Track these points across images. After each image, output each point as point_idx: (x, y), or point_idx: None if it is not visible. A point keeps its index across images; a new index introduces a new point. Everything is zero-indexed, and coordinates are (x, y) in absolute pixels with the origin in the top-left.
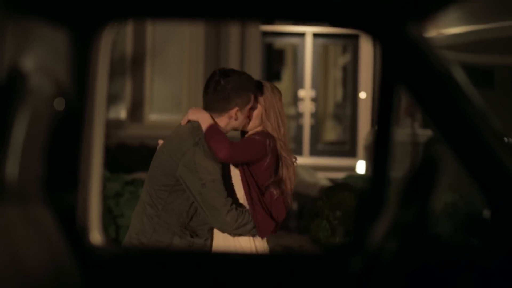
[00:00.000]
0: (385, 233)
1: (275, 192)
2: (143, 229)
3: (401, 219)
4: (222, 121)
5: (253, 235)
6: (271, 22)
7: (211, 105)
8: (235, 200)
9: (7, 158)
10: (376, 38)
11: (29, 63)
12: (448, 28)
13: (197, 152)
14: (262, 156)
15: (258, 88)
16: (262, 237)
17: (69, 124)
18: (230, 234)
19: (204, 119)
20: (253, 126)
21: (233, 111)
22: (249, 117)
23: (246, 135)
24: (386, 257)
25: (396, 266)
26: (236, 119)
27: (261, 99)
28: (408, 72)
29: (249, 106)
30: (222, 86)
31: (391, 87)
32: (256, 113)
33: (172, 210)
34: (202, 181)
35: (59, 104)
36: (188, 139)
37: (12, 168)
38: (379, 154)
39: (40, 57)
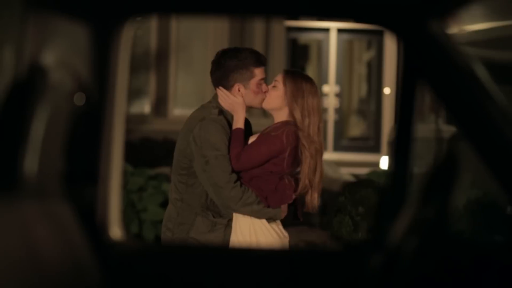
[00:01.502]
0: (406, 230)
1: (287, 181)
2: (169, 215)
3: (422, 216)
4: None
5: (260, 217)
6: (295, 17)
7: (216, 84)
8: (241, 178)
9: (27, 154)
10: (399, 34)
11: (49, 58)
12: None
13: (202, 127)
14: (278, 153)
15: (262, 63)
16: (272, 206)
17: (90, 119)
18: (235, 211)
19: (237, 120)
20: (275, 106)
21: (235, 87)
22: (266, 93)
23: (267, 128)
24: (407, 255)
25: (416, 264)
26: (242, 95)
27: (286, 81)
28: (430, 69)
29: (254, 80)
30: (221, 64)
31: (413, 83)
32: (276, 93)
33: (193, 192)
34: (205, 158)
35: (80, 99)
36: (196, 116)
37: (32, 163)
38: (400, 151)
39: (60, 52)
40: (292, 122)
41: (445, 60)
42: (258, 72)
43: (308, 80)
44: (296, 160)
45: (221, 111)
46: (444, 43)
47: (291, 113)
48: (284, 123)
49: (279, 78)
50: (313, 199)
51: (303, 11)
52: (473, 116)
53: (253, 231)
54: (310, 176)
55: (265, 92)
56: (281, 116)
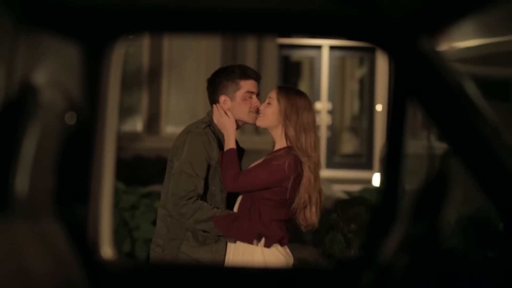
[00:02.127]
0: (397, 248)
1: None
2: (159, 232)
3: (413, 233)
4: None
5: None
6: (287, 36)
7: (210, 101)
8: (209, 196)
9: (18, 172)
10: (389, 52)
11: (40, 77)
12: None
13: (186, 139)
14: (279, 182)
15: (249, 76)
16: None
17: (81, 138)
18: (191, 226)
19: (228, 141)
20: (270, 123)
21: (221, 100)
22: (256, 107)
23: (270, 154)
24: (398, 272)
25: (407, 281)
26: (228, 108)
27: (280, 98)
28: (421, 87)
29: (240, 92)
30: (211, 81)
31: (404, 101)
32: (271, 110)
33: None
34: (175, 168)
35: (70, 118)
36: (185, 130)
37: (23, 182)
38: (391, 168)
39: (51, 71)
40: (291, 148)
41: (435, 78)
42: (244, 84)
43: (302, 95)
44: (298, 187)
45: (208, 126)
46: (434, 61)
47: (285, 131)
48: (286, 151)
49: (273, 95)
50: (312, 214)
51: (295, 29)
52: (463, 133)
53: (248, 252)
54: (310, 191)
55: (255, 106)
56: (277, 133)
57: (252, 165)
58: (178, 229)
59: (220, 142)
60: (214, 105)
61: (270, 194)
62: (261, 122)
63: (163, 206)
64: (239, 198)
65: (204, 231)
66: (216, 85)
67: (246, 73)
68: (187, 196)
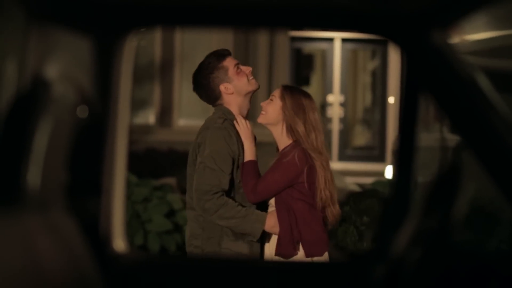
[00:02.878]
0: (409, 241)
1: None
2: (192, 233)
3: (425, 226)
4: (229, 98)
5: (237, 231)
6: (299, 29)
7: (212, 104)
8: (236, 189)
9: (30, 166)
10: (401, 45)
11: (52, 71)
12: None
13: (208, 135)
14: (296, 178)
15: (224, 55)
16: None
17: (92, 131)
18: (215, 221)
19: (247, 152)
20: (271, 120)
21: (222, 90)
22: (249, 72)
23: (277, 156)
24: (410, 265)
25: (419, 274)
26: (232, 92)
27: (284, 96)
28: (433, 80)
29: (231, 70)
30: (197, 85)
31: (416, 94)
32: (273, 107)
33: None
34: (199, 164)
35: (82, 112)
36: (202, 127)
37: (35, 176)
38: (403, 161)
39: (63, 65)
40: (298, 142)
41: (448, 71)
42: (227, 63)
43: (307, 95)
44: (314, 179)
45: (225, 119)
46: (447, 54)
47: (292, 128)
48: (292, 146)
49: (276, 93)
50: (336, 211)
51: (307, 23)
52: (476, 126)
53: None
54: (331, 188)
55: (248, 72)
56: (278, 130)
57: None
58: (213, 226)
59: (240, 136)
60: (235, 122)
61: (298, 193)
62: (262, 119)
63: (190, 208)
64: (272, 202)
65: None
66: (207, 83)
67: (219, 54)
68: (211, 191)
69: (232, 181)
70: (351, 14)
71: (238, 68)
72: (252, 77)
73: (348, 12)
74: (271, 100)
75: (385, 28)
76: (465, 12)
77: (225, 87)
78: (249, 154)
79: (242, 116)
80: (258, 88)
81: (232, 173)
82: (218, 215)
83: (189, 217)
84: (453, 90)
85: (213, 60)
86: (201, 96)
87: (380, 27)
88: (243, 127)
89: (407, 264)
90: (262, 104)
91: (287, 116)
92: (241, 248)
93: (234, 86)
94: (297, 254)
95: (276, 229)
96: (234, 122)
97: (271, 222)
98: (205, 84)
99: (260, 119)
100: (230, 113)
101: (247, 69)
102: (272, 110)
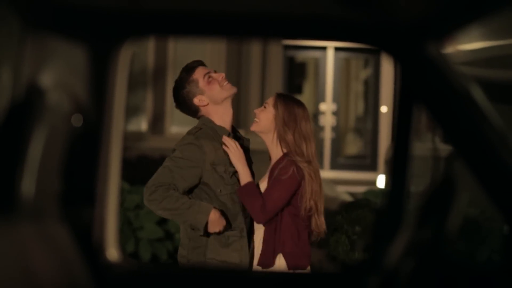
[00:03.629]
0: (403, 252)
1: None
2: (182, 243)
3: (419, 237)
4: (206, 109)
5: (192, 226)
6: (294, 39)
7: (192, 115)
8: (213, 201)
9: (24, 175)
10: (396, 56)
11: (47, 79)
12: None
13: (180, 141)
14: (296, 190)
15: (193, 67)
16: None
17: (87, 140)
18: (160, 214)
19: (243, 174)
20: (263, 128)
21: (196, 102)
22: (222, 78)
23: (274, 170)
24: (403, 276)
25: (413, 285)
26: (207, 103)
27: (277, 104)
28: (427, 91)
29: (201, 81)
30: (178, 105)
31: (410, 104)
32: (266, 115)
33: None
34: (163, 164)
35: (77, 121)
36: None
37: (29, 184)
38: (397, 172)
39: (58, 73)
40: (288, 154)
41: (442, 82)
42: (196, 75)
43: (300, 105)
44: (302, 190)
45: (201, 128)
46: (441, 65)
47: (282, 137)
48: (287, 160)
49: (270, 101)
50: (321, 223)
51: (302, 33)
52: (469, 137)
53: None
54: (315, 198)
55: (220, 78)
56: (269, 139)
57: (262, 185)
58: (199, 237)
59: (219, 143)
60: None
61: (291, 208)
62: (255, 127)
63: None
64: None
65: (193, 229)
66: (182, 99)
67: (189, 68)
68: (158, 184)
69: (210, 191)
70: (346, 25)
71: (209, 77)
72: (226, 82)
73: (343, 23)
74: (264, 107)
75: (379, 39)
76: (460, 23)
77: (199, 100)
78: (244, 176)
79: (226, 124)
80: (235, 92)
81: (199, 179)
82: (162, 207)
83: (181, 227)
84: (447, 101)
85: (184, 75)
86: (183, 111)
87: (374, 38)
88: (232, 150)
89: (400, 275)
90: (256, 111)
91: (278, 125)
92: (226, 257)
93: (208, 97)
94: (273, 265)
95: (220, 224)
96: (223, 146)
97: (216, 215)
98: (181, 100)
99: (253, 127)
100: (209, 121)
101: (219, 76)
102: (265, 118)
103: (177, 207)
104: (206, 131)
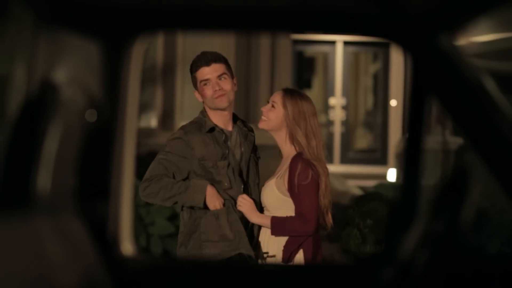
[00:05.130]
0: (416, 244)
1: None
2: (180, 229)
3: (432, 229)
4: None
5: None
6: (305, 32)
7: None
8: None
9: (39, 170)
10: (407, 49)
11: (61, 75)
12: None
13: (170, 135)
14: (317, 187)
15: (199, 65)
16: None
17: (101, 135)
18: (162, 204)
19: (261, 221)
20: (273, 127)
21: (196, 95)
22: (221, 91)
23: (292, 175)
24: (417, 268)
25: (427, 277)
26: (202, 100)
27: (286, 103)
28: (439, 83)
29: (199, 84)
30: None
31: (422, 97)
32: (275, 114)
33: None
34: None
35: (91, 116)
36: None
37: (44, 180)
38: (410, 165)
39: (72, 69)
40: (301, 153)
41: (454, 75)
42: (198, 75)
43: (308, 100)
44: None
45: (195, 122)
46: (453, 58)
47: (294, 136)
48: (304, 163)
49: (277, 98)
50: (329, 218)
51: (311, 26)
52: (482, 128)
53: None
54: (328, 195)
55: (216, 90)
56: (280, 137)
57: (274, 181)
58: (193, 223)
59: (216, 138)
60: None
61: None
62: (264, 125)
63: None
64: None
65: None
66: (190, 73)
67: (195, 63)
68: (150, 178)
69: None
70: (357, 18)
71: (204, 84)
72: (220, 96)
73: (354, 16)
74: (273, 106)
75: (391, 31)
76: (472, 15)
77: (196, 94)
78: (264, 222)
79: (221, 123)
80: (225, 107)
81: (188, 172)
82: (161, 197)
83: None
84: (459, 93)
85: (194, 65)
86: None
87: (386, 30)
88: (244, 206)
89: (414, 267)
90: (263, 109)
91: (289, 124)
92: (220, 231)
93: (202, 96)
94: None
95: (218, 198)
96: (237, 205)
97: (212, 191)
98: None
99: (262, 125)
100: (204, 116)
101: (216, 86)
102: (275, 118)
103: (174, 193)
104: (200, 125)
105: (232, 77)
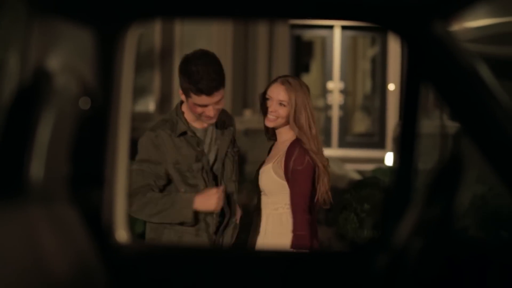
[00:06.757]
0: (411, 230)
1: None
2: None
3: (427, 215)
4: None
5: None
6: (299, 19)
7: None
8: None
9: (33, 158)
10: (402, 36)
11: (54, 62)
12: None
13: (140, 139)
14: (313, 176)
15: (201, 91)
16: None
17: (95, 123)
18: (149, 220)
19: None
20: (282, 124)
21: (180, 92)
22: (272, 113)
23: (288, 160)
24: (412, 255)
25: (421, 264)
26: (189, 109)
27: (291, 98)
28: (434, 71)
29: (190, 100)
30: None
31: (417, 84)
32: (285, 112)
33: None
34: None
35: (85, 103)
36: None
37: (38, 168)
38: (404, 151)
39: (65, 57)
40: (299, 140)
41: (449, 62)
42: (195, 98)
43: (305, 86)
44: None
45: (167, 121)
46: (448, 44)
47: (296, 123)
48: (300, 150)
49: (283, 96)
50: (329, 194)
51: (306, 13)
52: (477, 116)
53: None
54: (328, 177)
55: (205, 115)
56: (285, 132)
57: (269, 166)
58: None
59: (188, 141)
60: None
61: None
62: (273, 124)
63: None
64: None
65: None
66: (181, 73)
67: (195, 83)
68: (133, 193)
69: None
70: (352, 4)
71: (199, 105)
72: (207, 116)
73: (349, 2)
74: (282, 105)
75: (386, 18)
76: (468, 2)
77: (181, 94)
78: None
79: (198, 124)
80: (209, 125)
81: (167, 176)
82: (147, 214)
83: None
84: (453, 79)
85: (193, 85)
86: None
87: (380, 17)
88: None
89: (409, 253)
90: (272, 107)
91: (293, 115)
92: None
93: (186, 105)
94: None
95: (208, 205)
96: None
97: (200, 200)
98: (181, 70)
99: (271, 124)
100: (180, 116)
101: (208, 112)
102: (285, 115)
103: (160, 209)
104: (171, 126)
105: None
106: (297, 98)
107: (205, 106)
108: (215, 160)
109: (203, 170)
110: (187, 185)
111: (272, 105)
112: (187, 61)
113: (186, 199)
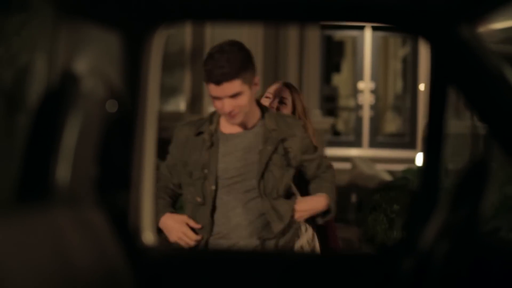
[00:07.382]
0: (438, 233)
1: None
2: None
3: (454, 218)
4: None
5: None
6: (327, 22)
7: None
8: (194, 207)
9: (59, 161)
10: (429, 39)
11: (81, 65)
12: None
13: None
14: None
15: (210, 79)
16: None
17: (122, 125)
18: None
19: None
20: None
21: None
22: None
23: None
24: (438, 258)
25: (448, 267)
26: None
27: (294, 99)
28: (461, 73)
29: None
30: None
31: (444, 87)
32: (287, 111)
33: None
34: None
35: (112, 106)
36: None
37: (64, 171)
38: (431, 154)
39: (92, 60)
40: None
41: (475, 66)
42: (209, 87)
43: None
44: None
45: (202, 119)
46: (475, 48)
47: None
48: None
49: (286, 94)
50: None
51: (335, 16)
52: (504, 118)
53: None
54: None
55: (233, 107)
56: None
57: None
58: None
59: (201, 144)
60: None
61: None
62: None
63: None
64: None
65: None
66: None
67: (207, 74)
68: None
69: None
70: (379, 8)
71: (215, 98)
72: (231, 113)
73: (376, 7)
74: (284, 103)
75: (413, 23)
76: (495, 6)
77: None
78: None
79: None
80: (240, 122)
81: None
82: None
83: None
84: (480, 83)
85: (204, 67)
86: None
87: (407, 21)
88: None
89: (435, 257)
90: (272, 106)
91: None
92: None
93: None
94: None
95: (168, 233)
96: None
97: (165, 222)
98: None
99: None
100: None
101: (222, 104)
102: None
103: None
104: (199, 125)
105: (253, 78)
106: (299, 104)
107: (219, 99)
108: (242, 172)
109: (206, 180)
110: (187, 185)
111: (274, 104)
112: (209, 50)
113: (158, 211)
